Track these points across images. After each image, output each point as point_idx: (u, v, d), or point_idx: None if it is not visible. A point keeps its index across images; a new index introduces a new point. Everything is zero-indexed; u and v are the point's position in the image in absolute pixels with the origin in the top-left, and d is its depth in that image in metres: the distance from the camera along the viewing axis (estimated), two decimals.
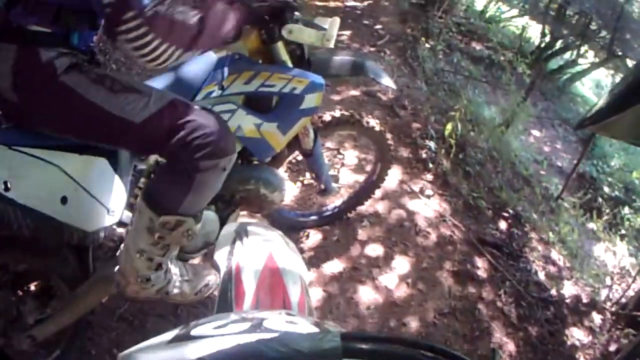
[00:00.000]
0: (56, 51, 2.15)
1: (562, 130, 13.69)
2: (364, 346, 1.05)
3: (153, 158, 2.77)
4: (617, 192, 11.63)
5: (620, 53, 14.77)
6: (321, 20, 3.07)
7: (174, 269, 2.68)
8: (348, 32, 9.28)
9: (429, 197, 5.83)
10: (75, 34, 2.19)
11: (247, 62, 2.97)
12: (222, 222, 3.13)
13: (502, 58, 11.51)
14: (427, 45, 9.80)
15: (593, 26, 15.02)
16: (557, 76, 15.92)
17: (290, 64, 3.12)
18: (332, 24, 2.97)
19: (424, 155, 6.39)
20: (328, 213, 4.91)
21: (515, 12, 16.64)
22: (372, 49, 8.81)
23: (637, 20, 14.64)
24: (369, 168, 5.03)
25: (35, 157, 2.23)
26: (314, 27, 2.92)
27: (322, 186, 4.30)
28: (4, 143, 2.19)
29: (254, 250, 2.04)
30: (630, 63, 15.19)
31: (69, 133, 2.29)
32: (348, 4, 11.05)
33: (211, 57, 2.86)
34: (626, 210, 10.65)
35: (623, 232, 9.54)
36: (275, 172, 3.38)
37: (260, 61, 3.07)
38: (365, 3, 11.08)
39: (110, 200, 2.52)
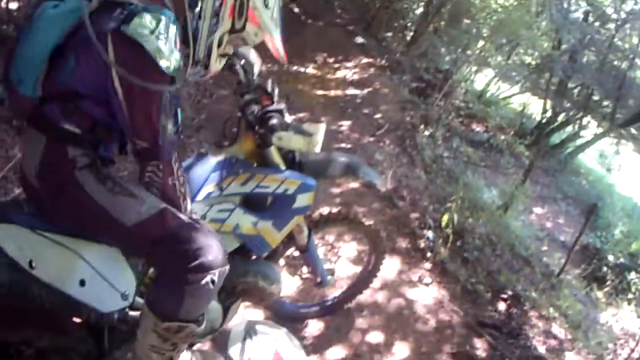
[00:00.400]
0: (82, 150, 2.40)
1: (564, 205, 13.93)
2: None
3: None
4: (622, 259, 11.85)
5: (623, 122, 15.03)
6: (309, 125, 3.42)
7: (185, 357, 2.90)
8: (348, 122, 9.60)
9: (427, 285, 6.17)
10: (103, 145, 2.50)
11: (243, 164, 3.28)
12: (225, 311, 3.35)
13: (501, 139, 11.78)
14: (426, 133, 10.13)
15: (595, 97, 15.28)
16: (559, 151, 16.12)
17: (282, 166, 3.47)
18: (318, 130, 3.38)
19: (422, 245, 6.73)
20: (329, 304, 5.14)
21: (516, 89, 16.94)
22: (372, 138, 9.09)
23: None
24: (365, 259, 5.21)
25: (56, 242, 2.49)
26: (302, 132, 3.28)
27: (319, 279, 4.54)
28: (28, 226, 2.45)
29: (263, 347, 2.46)
30: (634, 130, 15.51)
31: (74, 224, 2.53)
32: (348, 92, 11.29)
33: (210, 160, 3.19)
34: (632, 275, 10.88)
35: (630, 296, 9.80)
36: (272, 266, 3.69)
37: (255, 164, 3.41)
38: (365, 91, 11.30)
39: (123, 285, 2.72)
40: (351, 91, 11.42)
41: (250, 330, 2.57)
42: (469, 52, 14.04)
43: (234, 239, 3.25)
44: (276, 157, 3.45)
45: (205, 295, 2.59)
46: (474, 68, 14.35)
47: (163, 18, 2.22)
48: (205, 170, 3.12)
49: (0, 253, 2.37)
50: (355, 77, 11.89)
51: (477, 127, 13.62)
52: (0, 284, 2.39)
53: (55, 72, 2.33)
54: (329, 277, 4.64)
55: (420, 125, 10.20)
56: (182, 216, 2.58)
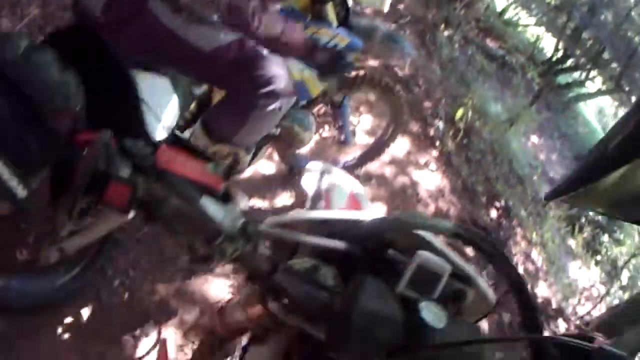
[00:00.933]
0: None
1: (559, 144, 14.06)
2: (465, 233, 1.52)
3: (207, 86, 3.06)
4: (600, 217, 12.02)
5: (627, 88, 15.09)
6: None
7: None
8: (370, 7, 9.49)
9: (432, 171, 6.31)
10: None
11: (298, 15, 3.29)
12: (257, 151, 3.42)
13: (514, 60, 11.75)
14: (446, 34, 10.12)
15: (605, 55, 15.30)
16: (564, 91, 16.20)
17: (335, 24, 3.48)
18: None
19: (432, 133, 6.85)
20: (341, 166, 5.20)
21: (532, 20, 16.89)
22: (393, 25, 9.02)
23: None
24: (379, 132, 5.31)
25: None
26: None
27: (342, 137, 4.67)
28: None
29: (339, 186, 2.44)
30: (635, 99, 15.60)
31: (148, 55, 2.55)
32: None
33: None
34: (605, 237, 11.03)
35: (599, 258, 9.94)
36: (308, 114, 3.74)
37: (309, 17, 3.41)
38: None
39: (165, 117, 2.74)
40: None
41: (327, 169, 2.54)
42: None
43: None
44: (331, 14, 3.46)
45: (269, 120, 2.71)
46: None
47: None
48: None
49: None
50: None
51: (491, 43, 13.56)
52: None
53: None
54: (352, 137, 4.77)
55: (441, 25, 10.12)
56: (258, 47, 2.63)
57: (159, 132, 2.72)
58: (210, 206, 1.85)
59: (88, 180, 1.50)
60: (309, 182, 2.53)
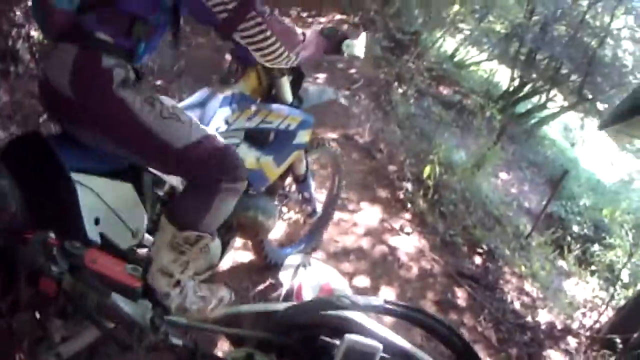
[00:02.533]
0: (116, 60, 2.46)
1: (529, 173, 14.22)
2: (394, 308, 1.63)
3: (169, 185, 3.12)
4: (586, 230, 12.19)
5: (590, 96, 15.32)
6: (352, 33, 3.64)
7: (189, 286, 2.94)
8: (323, 75, 9.75)
9: (408, 234, 6.41)
10: (142, 44, 2.55)
11: (248, 100, 3.39)
12: (224, 247, 3.50)
13: (469, 102, 11.97)
14: (400, 91, 10.32)
15: (563, 70, 15.51)
16: (524, 120, 16.38)
17: (290, 97, 3.64)
18: (363, 38, 3.50)
19: (401, 196, 6.99)
20: (310, 237, 5.19)
21: (484, 55, 17.14)
22: (347, 92, 9.26)
23: (609, 64, 15.10)
24: (329, 184, 5.45)
25: (75, 181, 2.44)
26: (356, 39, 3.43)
27: (310, 209, 4.66)
28: None
29: (315, 277, 2.62)
30: (600, 106, 15.83)
31: (111, 140, 2.58)
32: None
33: (217, 95, 3.26)
34: (595, 247, 11.19)
35: (593, 268, 10.10)
36: (270, 200, 3.83)
37: (258, 100, 3.50)
38: None
39: (134, 223, 2.79)
40: None
41: (305, 262, 2.72)
42: (443, 14, 14.18)
43: None
44: (286, 86, 3.59)
45: (230, 203, 2.77)
46: (444, 31, 14.50)
47: None
48: (214, 106, 3.20)
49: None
50: None
51: (446, 90, 13.79)
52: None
53: None
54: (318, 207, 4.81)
55: (394, 83, 10.35)
56: (219, 137, 2.77)
57: (127, 240, 2.79)
58: (121, 301, 2.06)
59: (26, 273, 1.74)
60: (286, 276, 2.71)
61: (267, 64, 2.83)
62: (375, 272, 5.59)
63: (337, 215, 5.92)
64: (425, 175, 7.21)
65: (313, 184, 4.63)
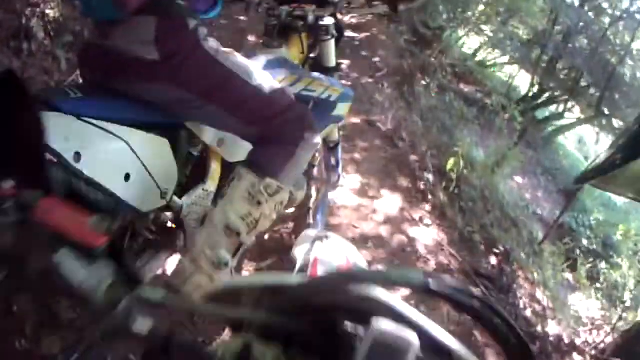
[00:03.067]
0: (196, 21, 2.42)
1: (544, 180, 14.18)
2: (441, 287, 1.22)
3: (202, 144, 2.92)
4: (595, 246, 12.09)
5: (607, 112, 15.21)
6: None
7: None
8: (347, 62, 9.57)
9: (427, 226, 6.27)
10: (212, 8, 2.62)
11: (291, 65, 3.29)
12: None
13: (490, 100, 11.86)
14: (423, 82, 10.24)
15: (583, 82, 15.45)
16: (542, 126, 16.33)
17: (334, 61, 3.61)
18: None
19: (422, 187, 6.85)
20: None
21: (505, 59, 17.08)
22: (370, 80, 9.16)
23: (628, 83, 15.04)
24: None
25: (104, 130, 2.28)
26: None
27: (336, 176, 4.50)
28: (73, 113, 2.20)
29: (333, 251, 2.41)
30: (616, 123, 15.70)
31: (202, 92, 2.49)
32: (346, 34, 11.22)
33: (260, 58, 3.13)
34: (603, 265, 11.08)
35: (598, 285, 9.99)
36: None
37: (300, 66, 3.46)
38: (363, 35, 11.34)
39: (165, 182, 2.63)
40: (349, 33, 11.29)
41: (322, 236, 2.51)
42: (468, 13, 14.10)
43: None
44: (333, 52, 3.56)
45: (309, 155, 2.72)
46: (468, 30, 14.43)
47: None
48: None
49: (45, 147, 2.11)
50: (353, 20, 11.78)
51: (467, 88, 13.73)
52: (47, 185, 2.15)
53: None
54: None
55: (417, 75, 10.25)
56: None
57: (156, 200, 2.62)
58: (70, 263, 1.80)
59: None
60: (300, 250, 2.50)
61: None
62: (393, 262, 5.45)
63: (357, 200, 5.92)
64: (448, 167, 7.08)
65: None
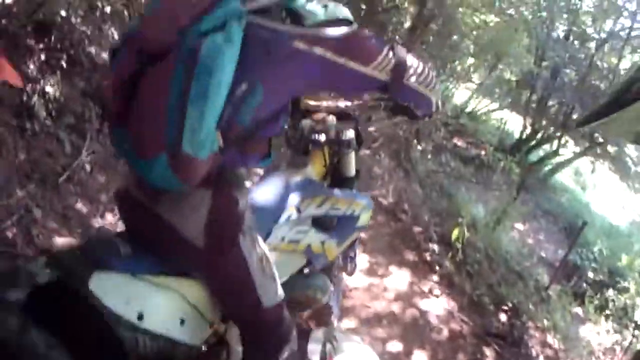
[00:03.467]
0: (244, 194, 2.41)
1: (544, 222, 14.33)
2: None
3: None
4: (601, 276, 12.22)
5: (601, 140, 15.37)
6: None
7: None
8: None
9: (437, 296, 6.53)
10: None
11: (317, 187, 3.39)
12: None
13: (484, 153, 12.07)
14: (419, 147, 10.46)
15: (574, 115, 15.50)
16: (537, 168, 16.38)
17: (354, 171, 3.64)
18: None
19: (428, 258, 7.13)
20: None
21: (495, 105, 17.26)
22: (368, 151, 9.32)
23: None
24: None
25: (159, 285, 2.39)
26: None
27: (353, 266, 4.37)
28: (128, 270, 2.29)
29: (345, 353, 2.66)
30: (611, 149, 15.89)
31: (218, 288, 2.56)
32: (339, 103, 11.34)
33: (288, 182, 3.22)
34: (610, 292, 11.26)
35: (608, 312, 10.19)
36: (326, 279, 3.77)
37: (325, 184, 3.55)
38: (356, 103, 11.50)
39: (212, 314, 2.74)
40: (342, 102, 11.40)
41: (329, 337, 2.77)
42: (457, 68, 14.31)
43: (303, 257, 3.37)
44: (353, 163, 3.63)
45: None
46: (456, 83, 14.63)
47: None
48: (286, 192, 3.16)
49: (106, 312, 2.22)
50: None
51: (461, 142, 13.93)
52: (111, 347, 2.30)
53: (236, 115, 2.16)
54: None
55: (413, 140, 10.48)
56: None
57: (206, 331, 2.76)
58: None
59: None
60: (314, 350, 2.75)
61: (434, 90, 2.60)
62: (407, 337, 5.67)
63: (367, 280, 6.11)
64: (453, 238, 7.33)
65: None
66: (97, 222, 4.99)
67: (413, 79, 2.45)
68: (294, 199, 3.15)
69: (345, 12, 2.32)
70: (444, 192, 9.63)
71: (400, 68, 2.38)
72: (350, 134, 3.46)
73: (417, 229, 7.68)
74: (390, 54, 2.35)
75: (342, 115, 3.44)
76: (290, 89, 2.34)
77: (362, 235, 6.48)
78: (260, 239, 2.62)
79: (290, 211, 3.12)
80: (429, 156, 10.55)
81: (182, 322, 2.53)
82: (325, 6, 2.28)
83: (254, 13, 2.12)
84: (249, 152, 2.34)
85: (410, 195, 8.54)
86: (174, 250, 2.40)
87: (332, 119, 3.39)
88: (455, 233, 7.34)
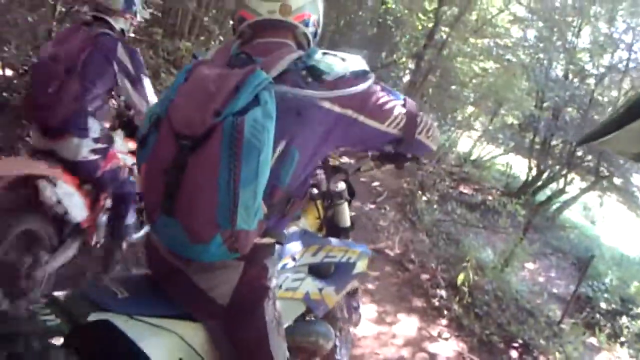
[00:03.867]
0: (274, 262, 2.52)
1: (554, 259, 14.38)
2: None
3: None
4: (613, 305, 12.22)
5: (607, 173, 15.37)
6: None
7: None
8: None
9: (446, 339, 6.63)
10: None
11: (312, 236, 3.42)
12: None
13: (490, 198, 12.14)
14: (424, 198, 10.60)
15: (578, 152, 15.53)
16: (545, 207, 16.37)
17: (349, 221, 3.78)
18: None
19: (436, 303, 7.24)
20: None
21: (500, 150, 17.26)
22: (373, 205, 9.53)
23: None
24: None
25: (157, 327, 2.39)
26: None
27: (358, 317, 4.57)
28: (126, 313, 2.31)
29: None
30: (617, 181, 15.89)
31: (238, 350, 2.57)
32: (343, 160, 11.41)
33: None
34: (624, 319, 11.33)
35: (622, 339, 10.24)
36: (329, 325, 3.79)
37: (320, 234, 3.65)
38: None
39: (211, 356, 2.71)
40: (345, 159, 11.50)
41: None
42: (458, 117, 14.39)
43: (302, 304, 3.38)
44: (347, 213, 3.77)
45: None
46: (458, 132, 14.73)
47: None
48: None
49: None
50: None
51: (467, 189, 14.01)
52: None
53: (276, 181, 2.29)
54: None
55: (417, 192, 10.66)
56: None
57: None
58: None
59: None
60: None
61: (436, 147, 2.83)
62: None
63: (376, 328, 6.22)
64: (459, 282, 7.47)
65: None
66: None
67: (422, 133, 2.62)
68: (289, 248, 3.19)
69: (362, 64, 2.44)
70: (450, 239, 9.74)
71: (412, 124, 2.55)
72: (341, 185, 3.61)
73: (424, 276, 7.81)
74: (403, 110, 2.52)
75: (333, 168, 3.53)
76: (322, 147, 2.42)
77: (370, 285, 6.63)
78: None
79: (286, 260, 3.16)
80: (435, 205, 10.65)
81: None
82: (343, 59, 2.43)
83: (278, 78, 2.24)
84: (287, 215, 2.47)
85: (416, 245, 8.67)
86: (194, 301, 2.45)
87: (321, 172, 3.51)
88: (460, 277, 7.48)
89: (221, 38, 11.42)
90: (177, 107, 2.15)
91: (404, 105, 2.54)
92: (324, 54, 2.45)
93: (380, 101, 2.47)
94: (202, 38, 11.41)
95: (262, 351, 2.57)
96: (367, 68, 2.45)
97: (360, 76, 2.40)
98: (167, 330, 2.44)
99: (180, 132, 2.08)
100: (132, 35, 7.57)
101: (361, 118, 2.41)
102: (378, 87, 2.48)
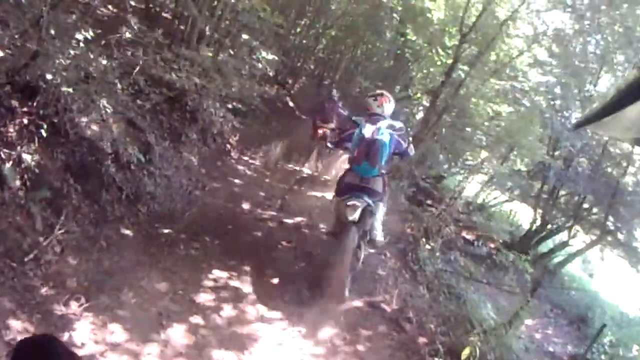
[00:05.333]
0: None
1: (553, 315, 13.72)
2: None
3: None
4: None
5: (612, 228, 14.77)
6: None
7: None
8: None
9: None
10: None
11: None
12: None
13: (492, 246, 11.57)
14: (427, 247, 9.77)
15: (585, 204, 15.08)
16: (546, 260, 15.84)
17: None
18: None
19: None
20: None
21: (505, 196, 16.78)
22: (373, 250, 8.61)
23: (632, 192, 14.63)
24: None
25: None
26: None
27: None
28: None
29: None
30: (621, 236, 15.23)
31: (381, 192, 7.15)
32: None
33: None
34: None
35: None
36: None
37: None
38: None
39: None
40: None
41: None
42: (469, 161, 13.91)
43: None
44: None
45: None
46: (469, 176, 14.21)
47: None
48: None
49: None
50: None
51: (469, 235, 13.38)
52: None
53: (388, 157, 7.08)
54: None
55: (421, 239, 9.83)
56: None
57: None
58: None
59: None
60: None
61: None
62: None
63: None
64: (463, 357, 6.44)
65: None
66: (59, 310, 4.57)
67: (412, 146, 7.19)
68: None
69: (401, 124, 7.05)
70: (452, 294, 8.84)
71: (411, 144, 7.14)
72: None
73: (422, 339, 6.80)
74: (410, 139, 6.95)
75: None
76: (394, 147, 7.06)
77: (360, 347, 5.96)
78: None
79: None
80: (437, 253, 9.80)
81: None
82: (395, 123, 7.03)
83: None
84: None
85: (416, 301, 7.72)
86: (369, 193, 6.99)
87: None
88: (465, 352, 6.49)
89: (231, 52, 11.28)
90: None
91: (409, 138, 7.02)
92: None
93: (405, 134, 7.12)
94: (211, 48, 10.99)
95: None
96: (402, 126, 7.04)
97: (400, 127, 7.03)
98: None
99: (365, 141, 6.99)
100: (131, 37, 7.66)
101: (400, 139, 7.03)
102: (406, 130, 7.02)
